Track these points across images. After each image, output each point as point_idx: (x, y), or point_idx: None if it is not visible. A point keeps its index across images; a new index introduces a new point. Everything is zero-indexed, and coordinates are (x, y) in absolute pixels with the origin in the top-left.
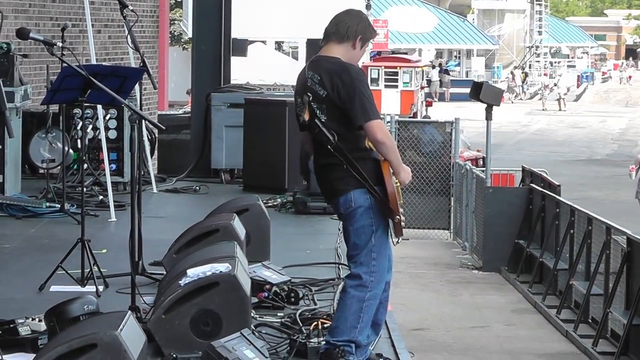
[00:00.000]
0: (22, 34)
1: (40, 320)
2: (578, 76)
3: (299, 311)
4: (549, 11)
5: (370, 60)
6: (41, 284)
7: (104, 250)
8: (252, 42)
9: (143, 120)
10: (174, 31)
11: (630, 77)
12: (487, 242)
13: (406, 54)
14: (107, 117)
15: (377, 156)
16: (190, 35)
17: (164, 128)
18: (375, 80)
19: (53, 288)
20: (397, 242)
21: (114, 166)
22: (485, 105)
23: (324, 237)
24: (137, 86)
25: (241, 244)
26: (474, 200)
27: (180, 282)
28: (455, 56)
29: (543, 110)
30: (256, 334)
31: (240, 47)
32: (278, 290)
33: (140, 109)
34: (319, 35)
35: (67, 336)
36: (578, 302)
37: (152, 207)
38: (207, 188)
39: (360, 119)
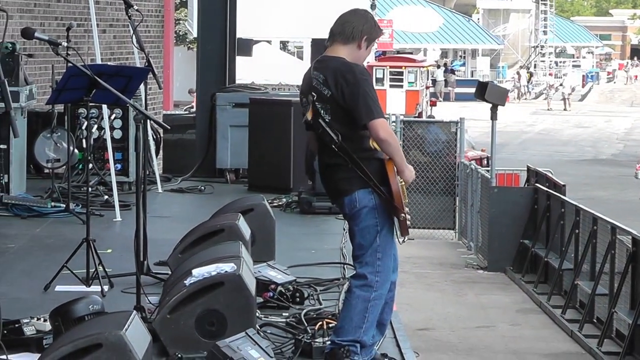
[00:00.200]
0: (27, 33)
1: (45, 320)
2: (583, 76)
3: (304, 311)
4: (554, 11)
5: (375, 60)
6: (46, 283)
7: (109, 250)
8: (257, 41)
9: (148, 120)
10: (179, 31)
11: (635, 76)
12: (492, 242)
13: (411, 53)
14: (112, 117)
15: (381, 156)
16: (195, 35)
17: (169, 128)
18: (380, 80)
19: (58, 288)
20: (403, 240)
21: (119, 166)
22: (490, 105)
23: (329, 237)
24: (142, 86)
25: (246, 243)
26: (479, 200)
27: (185, 281)
28: (461, 56)
29: (548, 110)
30: (261, 333)
31: (246, 46)
32: (283, 290)
33: (146, 108)
34: (324, 35)
35: (72, 336)
36: (583, 302)
37: (157, 207)
38: (212, 188)
39: (364, 118)
